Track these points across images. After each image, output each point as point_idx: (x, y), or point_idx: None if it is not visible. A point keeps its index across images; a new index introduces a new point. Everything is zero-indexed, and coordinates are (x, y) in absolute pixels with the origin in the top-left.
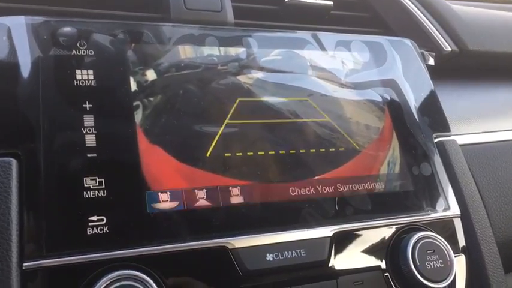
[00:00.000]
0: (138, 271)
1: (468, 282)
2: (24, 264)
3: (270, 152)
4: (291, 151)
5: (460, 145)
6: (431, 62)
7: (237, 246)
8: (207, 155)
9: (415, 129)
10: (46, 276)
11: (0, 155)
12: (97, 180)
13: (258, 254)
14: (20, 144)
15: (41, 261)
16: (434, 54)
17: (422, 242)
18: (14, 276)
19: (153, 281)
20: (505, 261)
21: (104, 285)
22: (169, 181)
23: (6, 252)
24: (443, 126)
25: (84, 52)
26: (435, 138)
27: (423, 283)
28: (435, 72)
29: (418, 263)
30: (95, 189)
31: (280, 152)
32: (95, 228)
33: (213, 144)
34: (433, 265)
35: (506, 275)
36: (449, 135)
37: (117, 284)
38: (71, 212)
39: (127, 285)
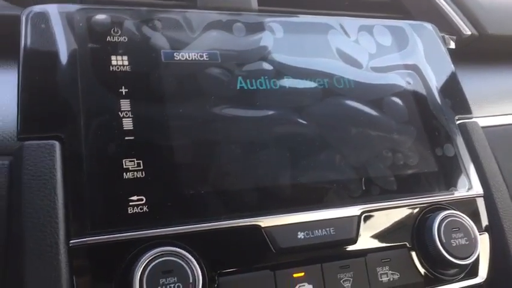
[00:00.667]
0: (178, 248)
1: (491, 259)
2: (71, 241)
3: (299, 136)
4: (319, 134)
5: (482, 127)
6: (452, 45)
7: (269, 225)
8: (237, 138)
9: (437, 112)
10: (91, 252)
11: (45, 138)
12: (135, 161)
13: (289, 232)
14: (62, 128)
15: (86, 238)
16: (455, 38)
17: (447, 220)
18: (62, 252)
19: (192, 257)
20: None
21: (147, 261)
22: (202, 162)
23: (54, 230)
24: (465, 108)
25: (118, 39)
26: (457, 120)
27: (449, 260)
28: (456, 56)
29: (444, 241)
30: (133, 171)
31: (309, 134)
32: (135, 207)
33: (243, 126)
34: (458, 242)
35: None
36: (471, 117)
37: (160, 259)
38: (112, 192)
39: (169, 261)
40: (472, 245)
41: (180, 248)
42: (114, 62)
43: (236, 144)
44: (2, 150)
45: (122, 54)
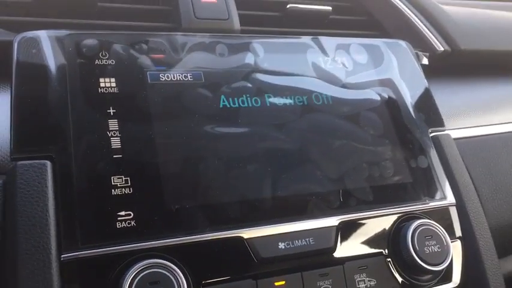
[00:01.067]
0: (164, 260)
1: (464, 265)
2: (62, 255)
3: (280, 151)
4: (299, 149)
5: (454, 139)
6: (425, 61)
7: (251, 236)
8: (221, 154)
9: (411, 125)
10: (82, 266)
11: (36, 157)
12: (123, 178)
13: (270, 243)
14: (53, 148)
15: (77, 252)
16: (428, 54)
17: (420, 228)
18: (54, 266)
19: (177, 268)
20: (499, 247)
21: (135, 273)
22: (187, 178)
23: (47, 245)
24: (438, 121)
25: (106, 62)
26: (430, 133)
27: (422, 266)
28: (429, 71)
29: (418, 248)
30: (121, 187)
31: (289, 149)
32: (123, 222)
33: (226, 143)
34: (431, 250)
35: (500, 260)
36: (443, 130)
37: (147, 271)
38: (102, 208)
39: (156, 272)
40: (445, 252)
41: (167, 260)
42: (102, 84)
43: (220, 160)
44: None
45: (109, 76)
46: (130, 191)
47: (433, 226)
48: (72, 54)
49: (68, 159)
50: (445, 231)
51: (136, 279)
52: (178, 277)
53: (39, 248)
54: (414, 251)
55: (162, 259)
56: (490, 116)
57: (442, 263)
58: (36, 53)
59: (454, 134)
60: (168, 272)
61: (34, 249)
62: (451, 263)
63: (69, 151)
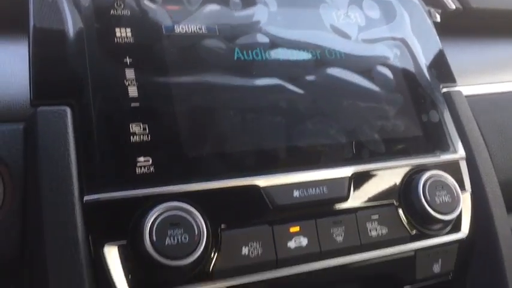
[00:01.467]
0: (184, 203)
1: (473, 217)
2: (85, 197)
3: (293, 103)
4: (312, 101)
5: (465, 96)
6: (438, 18)
7: (267, 184)
8: (236, 105)
9: (423, 81)
10: (103, 208)
11: (57, 104)
12: (141, 126)
13: (285, 191)
14: (72, 96)
15: (99, 194)
16: (440, 11)
17: (432, 179)
18: (77, 207)
19: (196, 211)
20: (507, 201)
21: (156, 214)
22: (203, 126)
23: (70, 187)
24: (449, 78)
25: (121, 12)
26: (442, 88)
27: (433, 215)
28: (441, 29)
29: (429, 198)
30: (140, 134)
31: (303, 101)
32: (142, 167)
33: (241, 94)
34: (442, 199)
35: (508, 215)
36: (454, 86)
37: (168, 213)
38: (121, 153)
39: (176, 215)
40: (455, 202)
41: (186, 203)
42: (118, 34)
43: (234, 110)
44: (16, 116)
45: (125, 27)
46: (148, 138)
47: (443, 177)
48: (88, 4)
49: (87, 107)
50: (455, 183)
51: (158, 221)
52: (198, 220)
53: (62, 190)
54: (425, 201)
55: (182, 202)
56: (501, 74)
57: (452, 212)
58: (52, 3)
59: (466, 90)
60: (188, 215)
61: (57, 191)
62: (460, 214)
63: (88, 99)
